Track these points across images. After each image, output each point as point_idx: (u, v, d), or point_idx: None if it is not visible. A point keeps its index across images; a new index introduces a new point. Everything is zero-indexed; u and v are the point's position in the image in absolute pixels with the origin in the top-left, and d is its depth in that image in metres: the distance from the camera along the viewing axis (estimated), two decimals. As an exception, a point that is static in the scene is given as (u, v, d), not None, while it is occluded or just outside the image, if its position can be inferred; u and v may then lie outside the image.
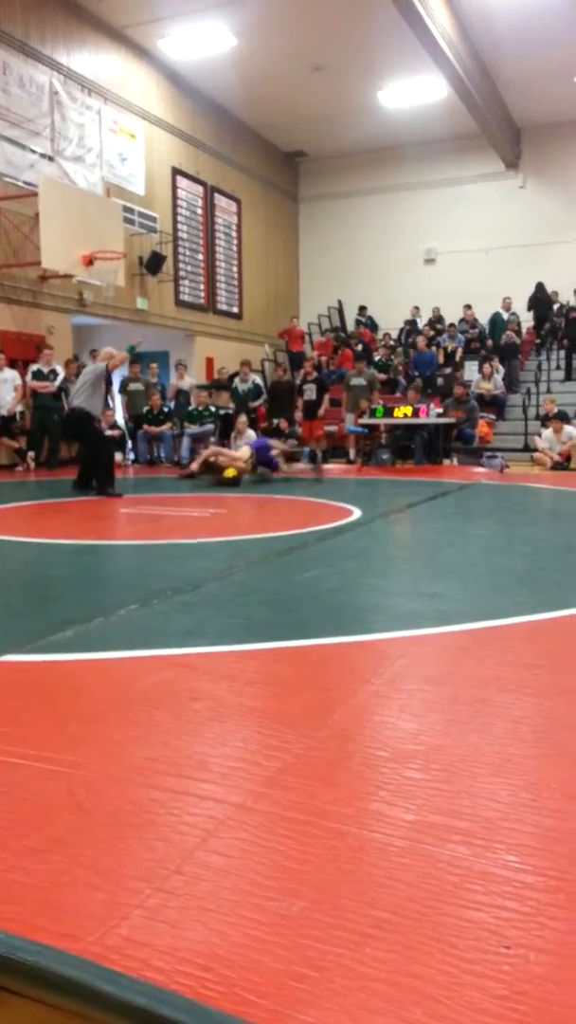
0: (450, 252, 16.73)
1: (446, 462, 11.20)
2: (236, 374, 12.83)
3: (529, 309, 15.51)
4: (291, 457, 8.56)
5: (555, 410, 11.22)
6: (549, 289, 15.34)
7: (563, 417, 11.01)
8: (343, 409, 12.27)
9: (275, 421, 12.09)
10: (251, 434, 10.75)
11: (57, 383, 10.36)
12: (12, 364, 10.18)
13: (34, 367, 10.28)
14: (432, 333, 15.51)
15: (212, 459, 8.37)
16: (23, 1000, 0.94)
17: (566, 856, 1.24)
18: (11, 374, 10.04)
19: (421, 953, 1.01)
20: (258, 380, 13.02)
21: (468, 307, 15.50)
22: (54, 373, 10.38)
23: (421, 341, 14.62)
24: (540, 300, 15.31)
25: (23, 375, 10.15)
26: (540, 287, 15.30)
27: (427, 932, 1.05)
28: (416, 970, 0.98)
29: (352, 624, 2.73)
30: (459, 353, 14.80)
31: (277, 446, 8.66)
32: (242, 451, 8.58)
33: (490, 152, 15.50)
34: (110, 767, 1.55)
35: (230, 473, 7.95)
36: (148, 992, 0.90)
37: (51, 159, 11.03)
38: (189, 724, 1.79)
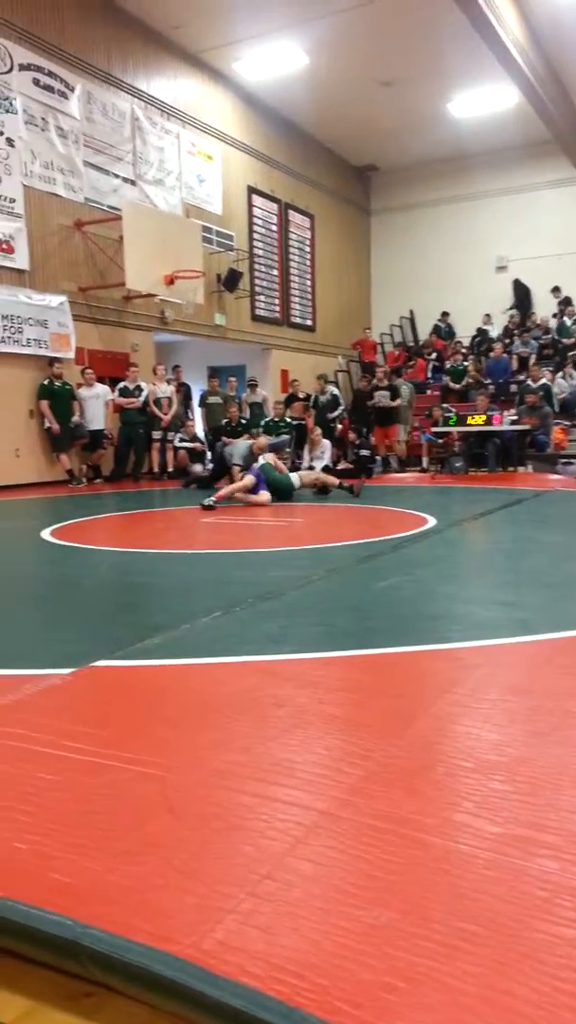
0: (522, 259, 16.45)
1: (520, 469, 10.96)
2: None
3: None
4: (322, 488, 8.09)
5: None
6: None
7: None
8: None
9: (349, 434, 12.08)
10: (326, 444, 10.79)
11: (142, 399, 10.73)
12: (99, 380, 10.59)
13: (121, 384, 10.70)
14: (508, 340, 15.28)
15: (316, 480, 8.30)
16: (126, 1000, 0.97)
17: None
18: (102, 389, 10.46)
19: (512, 969, 1.00)
20: (335, 391, 13.07)
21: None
22: (139, 389, 10.76)
23: (498, 348, 14.39)
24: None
25: (111, 391, 10.59)
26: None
27: (518, 948, 1.04)
28: (508, 986, 0.96)
29: (430, 632, 2.70)
30: (532, 359, 14.50)
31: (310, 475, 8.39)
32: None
33: (561, 158, 15.18)
34: (199, 771, 1.58)
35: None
36: (247, 996, 0.92)
37: (133, 183, 11.41)
38: (273, 730, 1.81)
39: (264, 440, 9.17)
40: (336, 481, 8.14)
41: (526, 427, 11.11)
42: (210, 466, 11.83)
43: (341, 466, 10.99)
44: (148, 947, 1.01)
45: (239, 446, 9.05)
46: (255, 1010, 0.89)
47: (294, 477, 8.01)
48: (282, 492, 7.71)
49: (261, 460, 8.06)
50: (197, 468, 11.31)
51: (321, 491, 7.98)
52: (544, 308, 16.03)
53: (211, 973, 0.97)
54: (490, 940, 1.05)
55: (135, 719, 1.91)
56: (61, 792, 1.51)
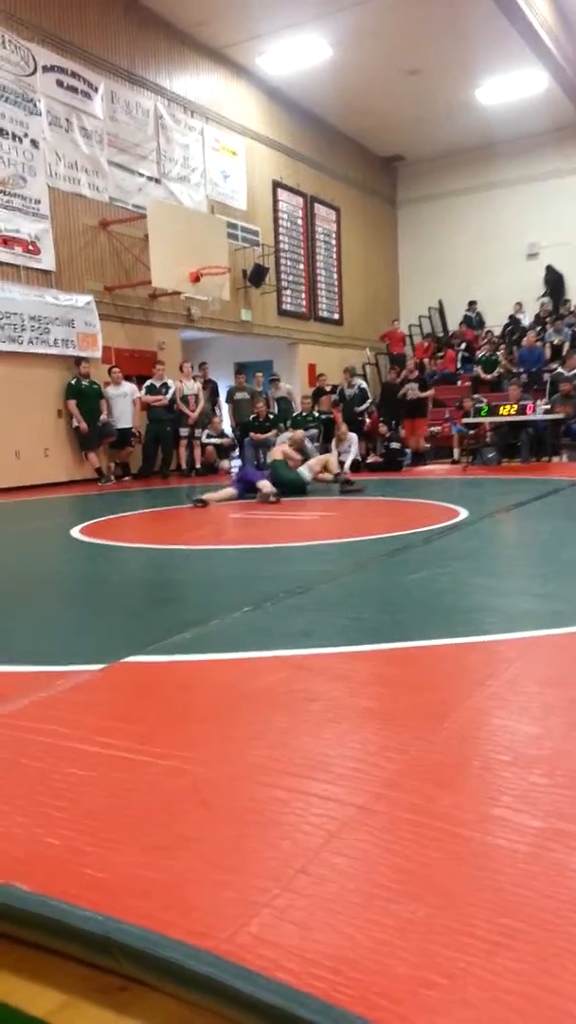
0: (553, 245, 16.22)
1: (555, 459, 10.81)
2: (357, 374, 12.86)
3: None
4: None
5: None
6: None
7: None
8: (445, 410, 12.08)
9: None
10: (353, 438, 10.74)
11: (168, 396, 10.79)
12: (127, 379, 10.67)
13: (148, 382, 10.77)
14: (540, 328, 15.07)
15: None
16: (160, 995, 0.96)
17: None
18: (129, 387, 10.55)
19: (556, 966, 0.97)
20: (363, 384, 13.01)
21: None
22: (166, 387, 10.83)
23: (531, 337, 14.20)
24: None
25: (139, 390, 10.68)
26: None
27: (561, 944, 1.01)
28: (552, 984, 0.94)
29: (464, 625, 2.66)
30: (566, 347, 14.28)
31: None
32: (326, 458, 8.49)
33: (593, 142, 14.97)
34: (232, 766, 1.58)
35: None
36: (283, 992, 0.90)
37: (158, 181, 11.45)
38: (306, 724, 1.79)
39: (301, 433, 9.13)
40: (337, 469, 8.14)
41: (560, 416, 10.95)
42: (237, 461, 11.88)
43: (371, 460, 10.93)
44: (182, 942, 1.00)
45: (277, 441, 9.09)
46: (292, 1007, 0.88)
47: (304, 471, 7.93)
48: (292, 489, 7.63)
49: (271, 457, 7.95)
50: (225, 464, 11.35)
51: (346, 486, 7.89)
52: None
53: (246, 968, 0.95)
54: (532, 936, 1.02)
55: (166, 714, 1.91)
56: (94, 787, 1.51)
